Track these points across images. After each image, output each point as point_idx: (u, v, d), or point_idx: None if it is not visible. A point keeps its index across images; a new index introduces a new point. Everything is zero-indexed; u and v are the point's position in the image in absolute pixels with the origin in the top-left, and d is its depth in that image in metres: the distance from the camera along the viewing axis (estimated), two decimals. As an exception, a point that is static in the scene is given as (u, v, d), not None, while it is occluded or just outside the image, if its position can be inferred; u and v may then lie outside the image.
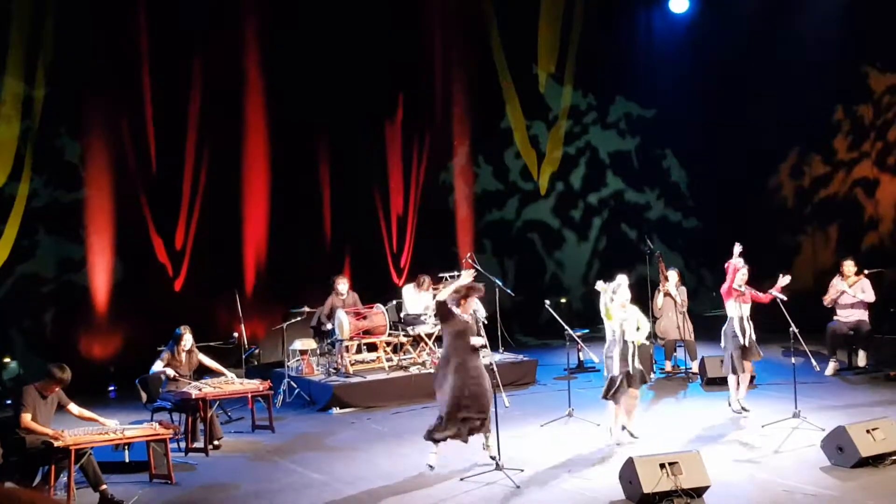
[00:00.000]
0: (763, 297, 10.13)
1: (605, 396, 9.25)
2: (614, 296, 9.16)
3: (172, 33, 13.48)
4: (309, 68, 14.27)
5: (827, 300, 12.28)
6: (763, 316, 10.55)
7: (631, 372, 9.15)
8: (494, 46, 16.08)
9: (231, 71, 13.99)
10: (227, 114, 13.97)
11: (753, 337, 10.09)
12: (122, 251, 13.39)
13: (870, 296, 12.13)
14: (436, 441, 8.51)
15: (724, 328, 10.24)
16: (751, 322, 10.08)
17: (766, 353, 10.36)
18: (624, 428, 9.30)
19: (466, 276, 8.62)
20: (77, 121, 13.23)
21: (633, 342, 9.17)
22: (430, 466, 8.51)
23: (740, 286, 10.00)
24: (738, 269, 10.00)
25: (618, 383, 9.10)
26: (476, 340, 8.47)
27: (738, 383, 10.18)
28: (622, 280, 9.45)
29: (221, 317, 13.38)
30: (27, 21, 12.77)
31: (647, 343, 9.75)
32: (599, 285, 9.34)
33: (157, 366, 9.95)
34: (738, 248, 10.15)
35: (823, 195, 16.07)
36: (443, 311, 8.52)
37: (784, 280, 10.15)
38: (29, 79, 12.82)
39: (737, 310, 10.03)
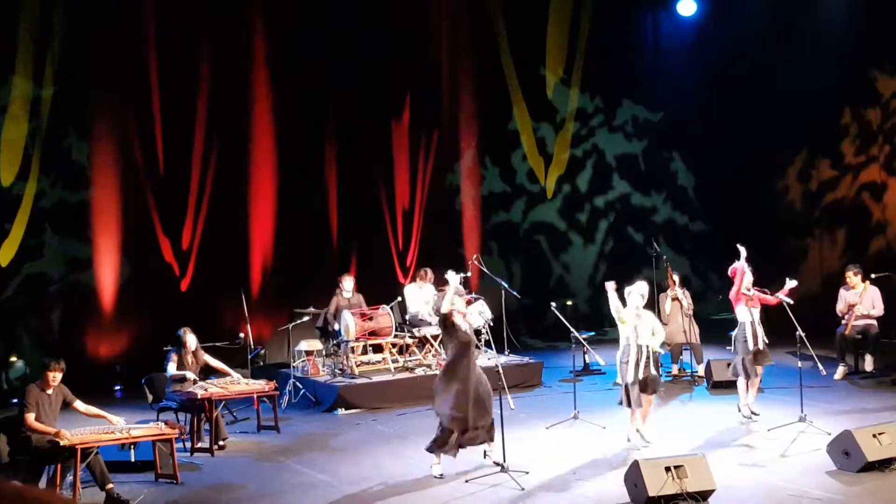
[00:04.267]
0: (771, 300, 10.10)
1: (623, 403, 9.21)
2: (628, 298, 9.10)
3: (180, 34, 13.50)
4: (316, 69, 14.28)
5: (839, 311, 12.24)
6: (770, 319, 10.51)
7: (648, 378, 9.07)
8: (502, 48, 16.08)
9: (238, 71, 14.01)
10: (235, 114, 13.99)
11: (766, 340, 10.04)
12: (129, 251, 13.41)
13: (879, 310, 12.08)
14: (437, 453, 8.50)
15: (734, 333, 10.18)
16: (762, 325, 10.03)
17: (772, 357, 10.31)
18: (637, 431, 9.27)
19: (454, 281, 8.69)
20: (85, 121, 13.26)
21: (647, 346, 9.11)
22: (438, 476, 8.46)
23: (748, 289, 9.96)
24: (743, 270, 9.96)
25: (634, 390, 9.05)
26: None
27: (748, 387, 10.13)
28: (642, 290, 9.17)
29: (227, 317, 13.39)
30: (35, 21, 12.81)
31: (661, 350, 9.73)
32: (608, 286, 9.30)
33: (171, 368, 9.94)
34: (743, 252, 10.11)
35: (831, 199, 16.03)
36: (447, 323, 8.54)
37: (791, 283, 10.12)
38: (37, 78, 12.86)
39: (747, 314, 9.96)
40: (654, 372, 9.17)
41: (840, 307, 12.23)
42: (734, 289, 10.00)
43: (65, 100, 12.97)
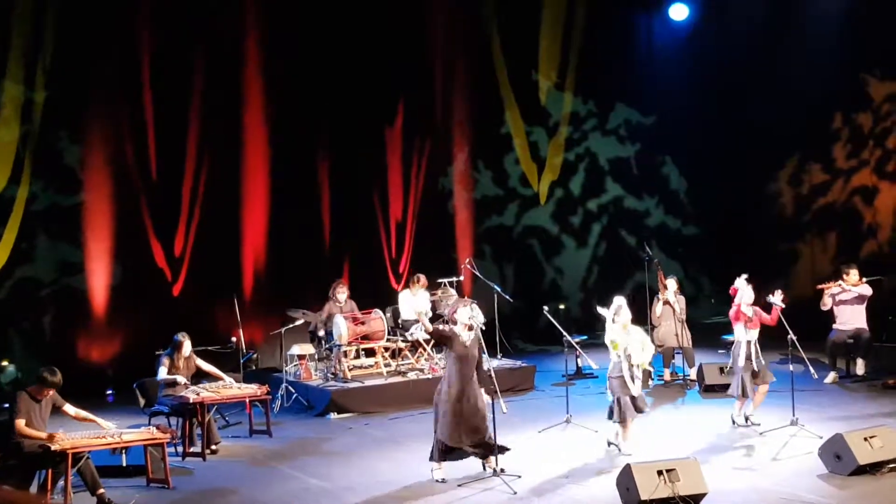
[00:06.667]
0: (770, 320, 9.92)
1: (613, 419, 9.16)
2: (616, 318, 9.09)
3: (173, 39, 13.49)
4: (309, 74, 14.29)
5: (825, 301, 12.22)
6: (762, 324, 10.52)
7: (637, 397, 9.08)
8: (495, 52, 16.10)
9: (231, 76, 14.00)
10: (228, 119, 13.98)
11: (763, 361, 9.97)
12: (121, 256, 13.38)
13: (867, 288, 12.08)
14: (437, 461, 8.51)
15: (732, 349, 10.13)
16: (758, 346, 9.93)
17: (764, 360, 10.27)
18: (611, 443, 9.28)
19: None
20: (77, 125, 13.23)
21: (637, 365, 9.09)
22: (441, 480, 8.46)
23: (749, 305, 9.83)
24: (742, 290, 9.86)
25: (624, 406, 9.02)
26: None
27: (745, 400, 10.03)
28: (621, 302, 9.23)
29: (220, 321, 13.38)
30: (28, 25, 12.79)
31: (651, 368, 9.73)
32: (601, 311, 9.30)
33: (163, 372, 9.94)
34: (743, 278, 9.97)
35: (822, 203, 16.09)
36: (440, 338, 8.52)
37: (777, 298, 9.98)
38: (29, 82, 12.84)
39: (744, 334, 9.87)
40: (640, 391, 9.14)
41: (825, 301, 12.21)
42: (733, 308, 9.91)
43: (57, 104, 12.95)
